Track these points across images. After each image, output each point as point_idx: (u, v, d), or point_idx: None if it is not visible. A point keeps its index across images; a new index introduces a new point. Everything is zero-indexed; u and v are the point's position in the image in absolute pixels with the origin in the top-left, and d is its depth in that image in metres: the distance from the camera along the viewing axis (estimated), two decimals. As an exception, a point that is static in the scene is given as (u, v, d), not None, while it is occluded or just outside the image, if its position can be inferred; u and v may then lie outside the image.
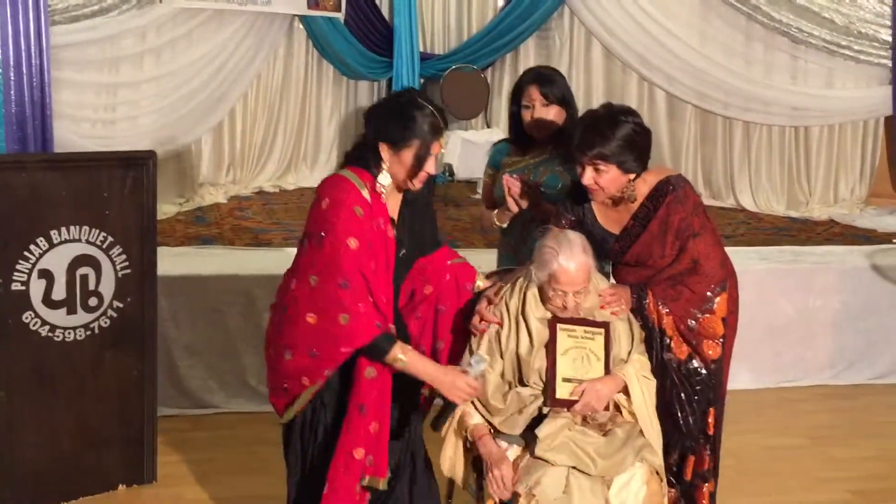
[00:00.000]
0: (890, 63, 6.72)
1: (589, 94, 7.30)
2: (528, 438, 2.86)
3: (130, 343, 3.74)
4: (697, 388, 3.03)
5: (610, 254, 3.12)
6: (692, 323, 3.00)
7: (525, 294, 2.91)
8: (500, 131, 7.12)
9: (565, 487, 2.72)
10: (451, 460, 2.96)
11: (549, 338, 2.88)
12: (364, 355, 2.67)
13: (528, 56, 7.37)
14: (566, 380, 2.87)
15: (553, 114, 3.38)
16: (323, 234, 2.62)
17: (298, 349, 2.69)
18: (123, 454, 3.77)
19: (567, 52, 7.34)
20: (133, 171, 3.67)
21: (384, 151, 2.71)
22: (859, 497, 3.93)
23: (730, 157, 7.04)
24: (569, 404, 2.86)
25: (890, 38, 6.69)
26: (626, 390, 2.93)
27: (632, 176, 2.96)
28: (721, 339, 3.03)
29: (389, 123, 2.71)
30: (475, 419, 2.90)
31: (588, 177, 2.94)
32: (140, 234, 3.71)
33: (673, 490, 3.08)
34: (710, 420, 3.08)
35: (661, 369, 3.01)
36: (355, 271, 2.62)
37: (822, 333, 5.13)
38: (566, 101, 3.41)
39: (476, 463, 2.96)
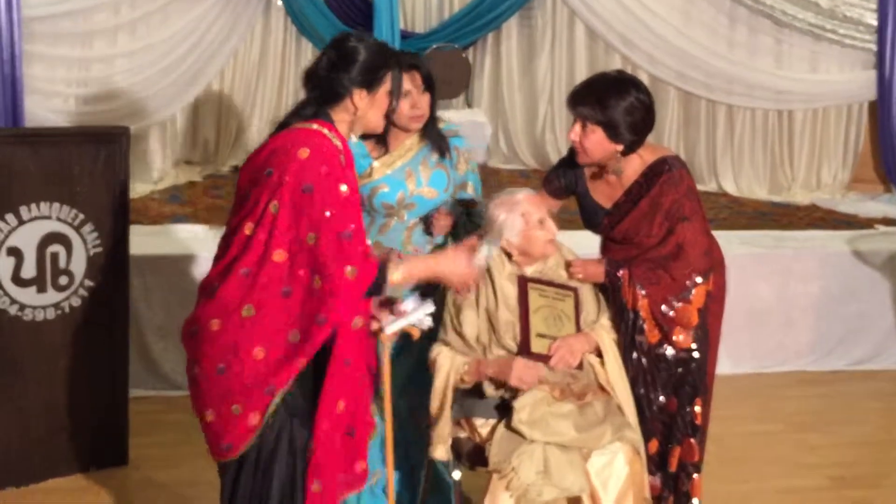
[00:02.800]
0: (875, 47, 6.71)
1: (572, 74, 7.24)
2: (502, 411, 2.89)
3: (102, 323, 3.68)
4: (663, 374, 3.03)
5: (599, 228, 3.10)
6: (667, 309, 2.99)
7: (494, 284, 2.97)
8: (481, 112, 7.06)
9: (544, 465, 2.73)
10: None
11: (519, 295, 2.94)
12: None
13: (511, 35, 7.29)
14: (540, 335, 2.92)
15: (426, 101, 3.13)
16: (312, 185, 2.42)
17: (278, 338, 2.42)
18: (94, 436, 3.73)
19: (550, 32, 7.27)
20: (105, 148, 3.61)
21: (359, 98, 2.58)
22: (836, 483, 3.95)
23: (713, 141, 7.02)
24: (544, 359, 2.91)
25: (875, 22, 6.67)
26: (597, 352, 2.98)
27: (619, 147, 2.93)
28: (694, 330, 3.01)
29: (356, 66, 2.57)
30: (457, 359, 2.91)
31: (575, 132, 2.94)
32: (112, 212, 3.65)
33: (653, 477, 3.06)
34: (698, 410, 3.07)
35: (629, 349, 3.02)
36: (354, 218, 2.48)
37: (802, 319, 5.14)
38: (434, 85, 3.18)
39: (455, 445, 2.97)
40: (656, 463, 3.07)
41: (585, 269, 3.04)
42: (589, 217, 3.10)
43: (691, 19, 6.87)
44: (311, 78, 2.62)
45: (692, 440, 3.07)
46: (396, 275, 2.56)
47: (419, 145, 3.15)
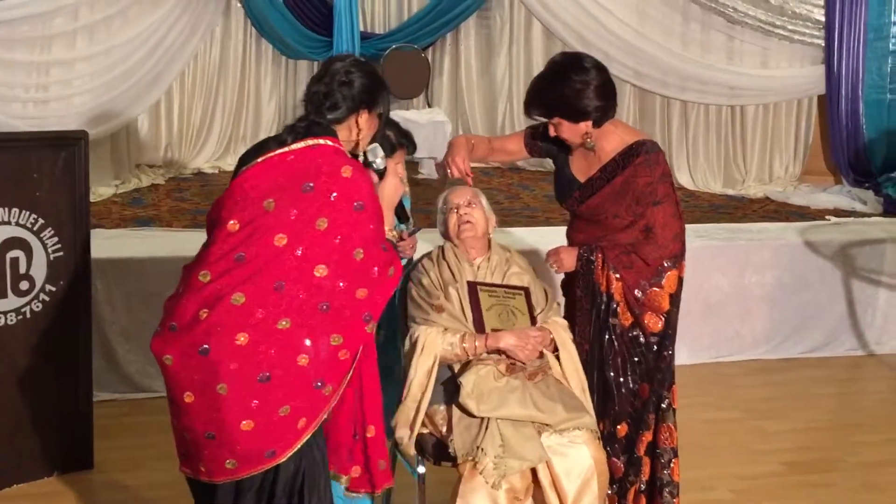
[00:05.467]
0: (823, 43, 6.84)
1: (529, 73, 7.31)
2: (451, 389, 2.96)
3: (64, 327, 3.68)
4: (636, 358, 3.09)
5: (569, 202, 3.17)
6: (639, 294, 3.05)
7: (446, 260, 3.15)
8: (441, 111, 7.12)
9: (502, 441, 2.79)
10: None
11: (470, 299, 3.03)
12: None
13: (469, 35, 7.37)
14: (494, 330, 3.00)
15: None
16: (363, 203, 2.46)
17: (320, 343, 2.44)
18: (59, 441, 3.72)
19: (507, 32, 7.35)
20: (64, 152, 3.61)
21: (365, 118, 2.62)
22: (791, 468, 4.04)
23: (668, 136, 7.12)
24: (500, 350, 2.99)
25: (823, 18, 6.80)
26: (552, 347, 3.06)
27: (588, 123, 2.99)
28: (665, 315, 3.08)
29: (359, 85, 2.60)
30: (451, 337, 2.98)
31: (550, 130, 3.04)
32: (72, 216, 3.65)
33: (618, 460, 3.14)
34: (675, 395, 3.17)
35: (600, 332, 3.08)
36: (383, 226, 2.59)
37: (757, 309, 5.24)
38: None
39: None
40: (623, 447, 3.13)
41: (558, 257, 3.12)
42: (562, 189, 3.17)
43: (646, 17, 6.97)
44: (315, 97, 2.62)
45: (671, 425, 3.15)
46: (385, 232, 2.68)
47: None
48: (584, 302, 3.09)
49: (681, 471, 3.41)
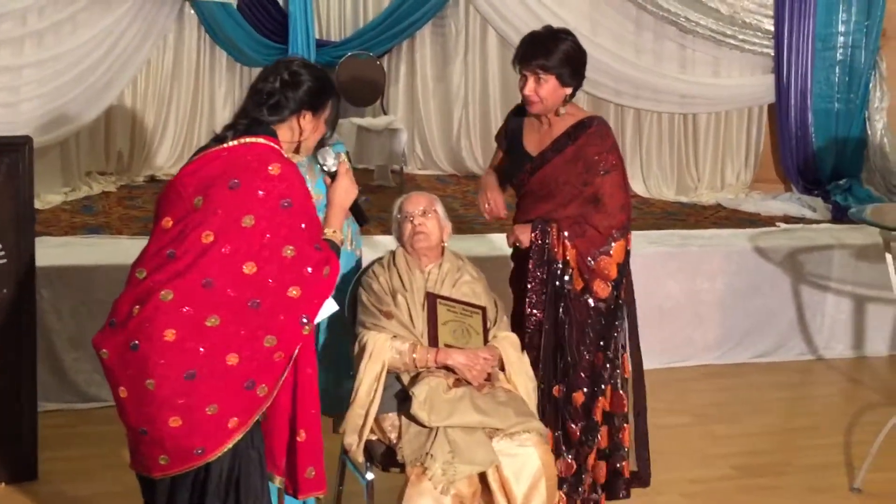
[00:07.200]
0: (773, 52, 6.94)
1: (485, 80, 7.37)
2: (401, 397, 2.98)
3: (8, 336, 3.62)
4: (590, 321, 3.24)
5: (520, 176, 3.31)
6: (590, 261, 3.22)
7: (396, 266, 3.17)
8: (396, 118, 7.12)
9: (451, 447, 2.80)
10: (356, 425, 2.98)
11: (428, 310, 3.05)
12: None
13: (425, 43, 7.37)
14: (448, 346, 3.02)
15: None
16: (290, 199, 2.44)
17: (253, 343, 2.41)
18: (2, 452, 3.65)
19: (463, 40, 7.37)
20: (7, 158, 3.55)
21: (307, 120, 2.61)
22: (741, 472, 4.08)
23: (622, 144, 7.13)
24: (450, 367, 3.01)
25: (772, 28, 6.91)
26: (500, 363, 3.11)
27: (568, 91, 3.20)
28: (612, 282, 3.24)
29: (305, 88, 2.59)
30: (399, 345, 3.00)
31: (530, 87, 3.18)
32: (16, 223, 3.60)
33: (575, 426, 3.25)
34: (627, 364, 3.35)
35: (555, 299, 3.22)
36: (319, 227, 2.57)
37: (708, 314, 5.29)
38: None
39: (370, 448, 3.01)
40: (580, 414, 3.26)
41: (515, 235, 3.27)
42: (514, 165, 3.32)
43: (599, 26, 7.02)
44: (258, 94, 2.60)
45: (621, 392, 3.30)
46: (329, 233, 2.63)
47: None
48: (537, 272, 3.22)
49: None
